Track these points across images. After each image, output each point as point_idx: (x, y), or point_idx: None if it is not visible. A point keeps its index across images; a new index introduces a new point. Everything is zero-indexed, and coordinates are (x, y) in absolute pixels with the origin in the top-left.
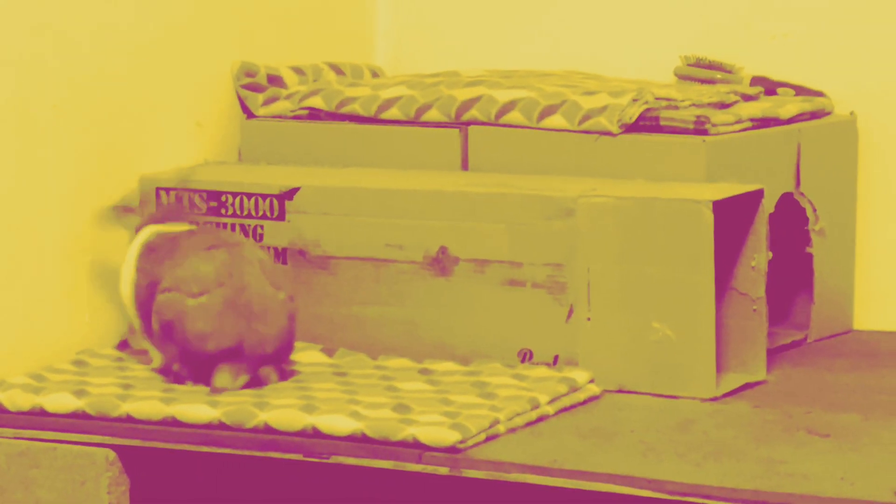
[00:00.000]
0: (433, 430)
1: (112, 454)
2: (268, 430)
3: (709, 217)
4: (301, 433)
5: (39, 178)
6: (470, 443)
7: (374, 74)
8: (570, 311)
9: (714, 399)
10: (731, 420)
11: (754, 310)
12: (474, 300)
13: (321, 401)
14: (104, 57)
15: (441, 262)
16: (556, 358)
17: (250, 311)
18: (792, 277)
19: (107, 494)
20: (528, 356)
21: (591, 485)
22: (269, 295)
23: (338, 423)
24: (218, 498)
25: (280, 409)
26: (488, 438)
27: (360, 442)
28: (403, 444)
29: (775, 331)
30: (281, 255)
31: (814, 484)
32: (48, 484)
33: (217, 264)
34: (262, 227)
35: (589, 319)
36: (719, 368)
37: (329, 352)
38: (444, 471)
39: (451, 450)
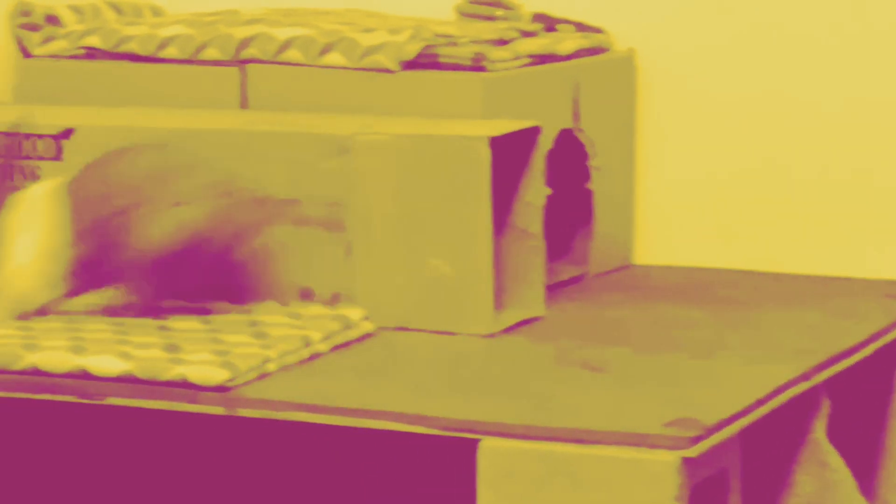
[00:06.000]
0: (202, 368)
1: None
2: (36, 372)
3: (485, 153)
4: (69, 375)
5: None
6: (239, 381)
7: (154, 13)
8: (349, 249)
9: (491, 335)
10: (506, 356)
11: (532, 246)
12: None
13: (90, 342)
14: None
15: None
16: (335, 296)
17: None
18: (572, 214)
19: None
20: (308, 295)
21: (362, 422)
22: None
23: (106, 363)
24: None
25: (49, 350)
26: (259, 377)
27: (130, 383)
28: (173, 383)
29: (554, 267)
30: None
31: (584, 417)
32: None
33: None
34: (39, 168)
35: (367, 257)
36: (497, 305)
37: None
38: (219, 410)
39: (221, 388)
